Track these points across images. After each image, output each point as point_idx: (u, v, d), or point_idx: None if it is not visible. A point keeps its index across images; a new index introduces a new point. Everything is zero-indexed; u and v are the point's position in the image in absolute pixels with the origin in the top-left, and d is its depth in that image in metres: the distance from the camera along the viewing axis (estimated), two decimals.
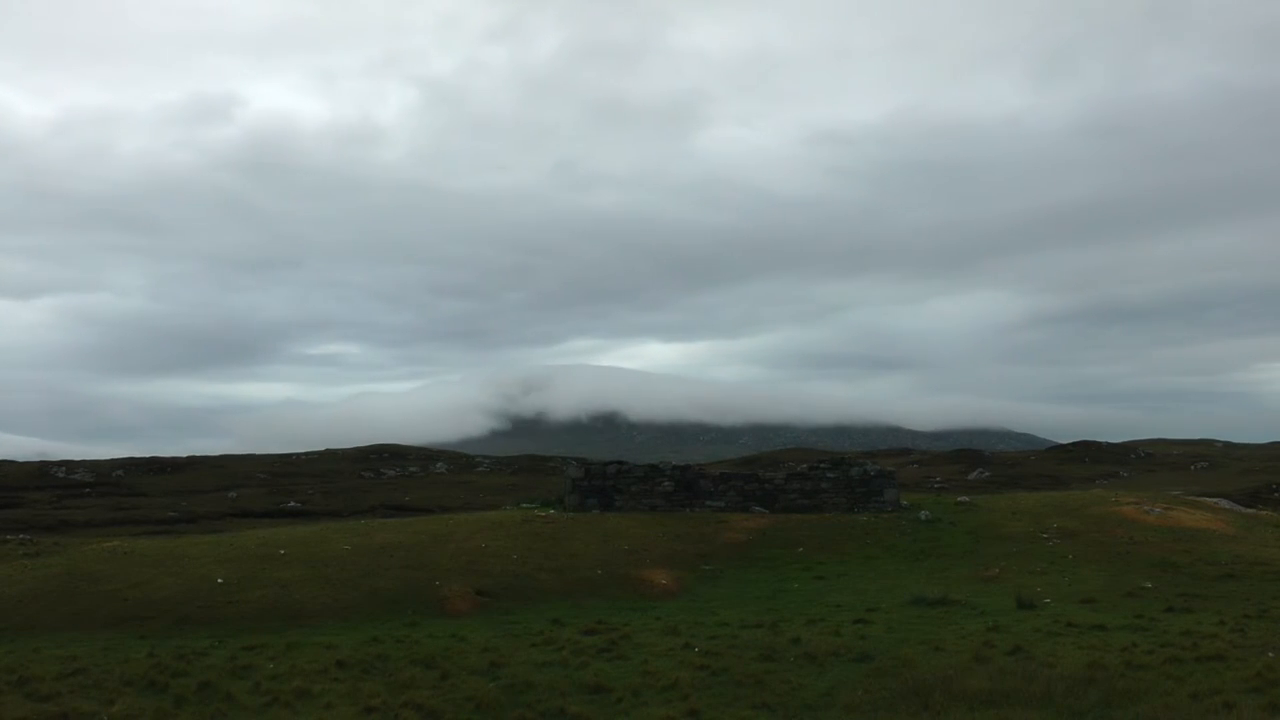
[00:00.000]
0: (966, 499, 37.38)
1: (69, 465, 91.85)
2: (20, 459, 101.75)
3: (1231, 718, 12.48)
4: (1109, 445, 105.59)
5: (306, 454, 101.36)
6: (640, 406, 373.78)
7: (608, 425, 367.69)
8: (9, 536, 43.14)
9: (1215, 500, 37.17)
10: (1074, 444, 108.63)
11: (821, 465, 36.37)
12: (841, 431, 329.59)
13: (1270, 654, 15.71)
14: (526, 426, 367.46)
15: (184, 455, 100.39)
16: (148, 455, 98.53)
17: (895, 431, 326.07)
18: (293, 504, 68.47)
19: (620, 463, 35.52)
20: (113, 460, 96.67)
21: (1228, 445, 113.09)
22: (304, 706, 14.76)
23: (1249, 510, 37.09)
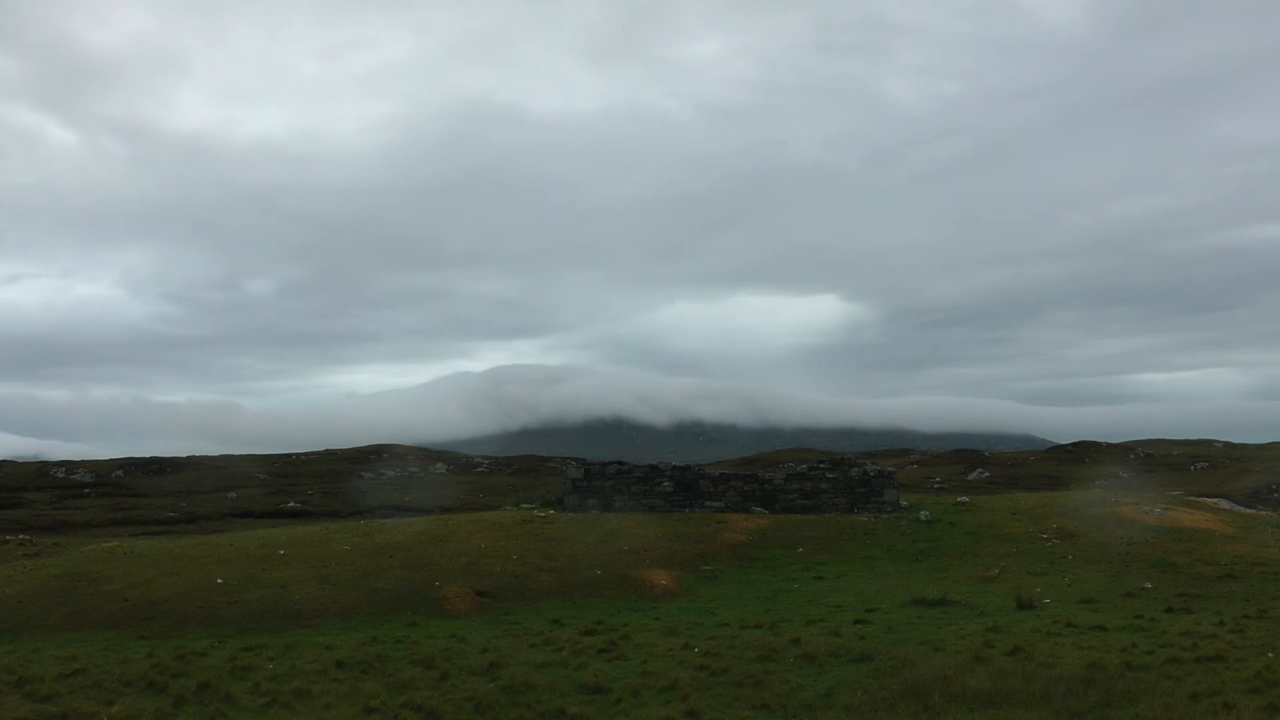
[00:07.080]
0: (966, 499, 37.37)
1: (69, 466, 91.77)
2: (20, 459, 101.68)
3: (1231, 718, 12.48)
4: (1109, 445, 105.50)
5: (306, 454, 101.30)
6: (639, 407, 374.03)
7: (609, 426, 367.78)
8: (9, 537, 43.16)
9: (1215, 500, 37.19)
10: (1074, 444, 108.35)
11: (821, 465, 36.33)
12: (843, 433, 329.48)
13: (1270, 654, 15.70)
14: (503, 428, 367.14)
15: (184, 455, 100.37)
16: (148, 455, 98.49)
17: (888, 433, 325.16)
18: (292, 504, 68.46)
19: (620, 463, 35.50)
20: (112, 460, 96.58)
21: (1228, 445, 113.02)
22: (303, 707, 14.75)
23: (1249, 510, 37.09)
